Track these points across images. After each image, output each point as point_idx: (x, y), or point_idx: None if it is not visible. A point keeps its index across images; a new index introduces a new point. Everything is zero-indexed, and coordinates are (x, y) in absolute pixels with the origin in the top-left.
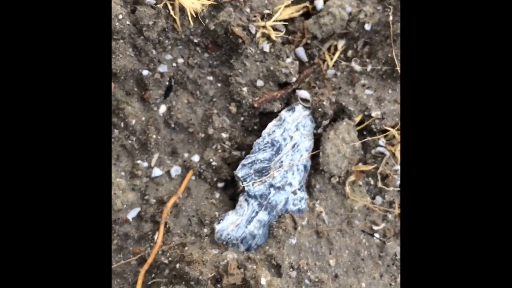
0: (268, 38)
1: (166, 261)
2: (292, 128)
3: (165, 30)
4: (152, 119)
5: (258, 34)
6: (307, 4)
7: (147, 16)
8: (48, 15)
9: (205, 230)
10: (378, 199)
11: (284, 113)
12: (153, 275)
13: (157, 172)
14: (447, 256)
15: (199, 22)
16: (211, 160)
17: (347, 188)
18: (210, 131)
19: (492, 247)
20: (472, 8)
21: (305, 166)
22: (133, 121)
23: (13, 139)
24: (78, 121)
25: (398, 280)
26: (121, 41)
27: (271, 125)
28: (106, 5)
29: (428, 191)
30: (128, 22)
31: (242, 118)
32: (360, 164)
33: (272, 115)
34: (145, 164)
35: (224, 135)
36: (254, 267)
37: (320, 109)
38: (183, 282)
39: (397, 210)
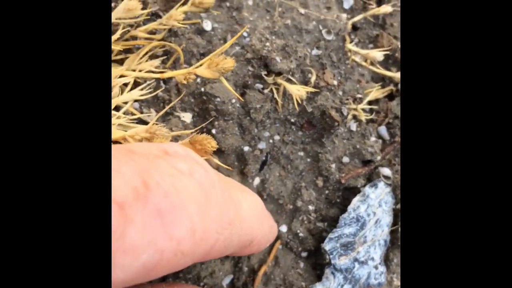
0: (355, 117)
1: None
2: (376, 204)
3: (268, 112)
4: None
5: (349, 116)
6: (391, 87)
7: (255, 100)
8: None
9: None
10: None
11: (367, 189)
12: None
13: None
14: (449, 267)
15: (298, 104)
16: (298, 231)
17: None
18: (299, 203)
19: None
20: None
21: (385, 241)
22: None
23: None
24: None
25: None
26: (231, 121)
27: (355, 201)
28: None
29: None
30: (238, 105)
31: (327, 192)
32: None
33: (355, 190)
34: None
35: (310, 207)
36: None
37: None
38: None
39: None
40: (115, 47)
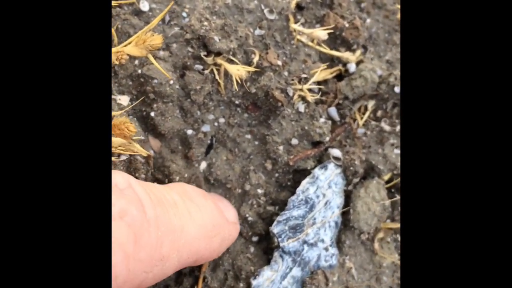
0: (303, 99)
1: None
2: (325, 186)
3: (210, 93)
4: (194, 176)
5: (295, 97)
6: (340, 67)
7: (195, 81)
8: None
9: (241, 285)
10: None
11: (317, 171)
12: None
13: None
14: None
15: (241, 85)
16: (247, 215)
17: (376, 245)
18: (247, 187)
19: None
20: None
21: (336, 223)
22: (177, 178)
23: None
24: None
25: None
26: (170, 104)
27: (304, 183)
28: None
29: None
30: (177, 87)
31: (276, 175)
32: (388, 221)
33: (305, 172)
34: None
35: (259, 191)
36: None
37: (351, 168)
38: None
39: None
40: None
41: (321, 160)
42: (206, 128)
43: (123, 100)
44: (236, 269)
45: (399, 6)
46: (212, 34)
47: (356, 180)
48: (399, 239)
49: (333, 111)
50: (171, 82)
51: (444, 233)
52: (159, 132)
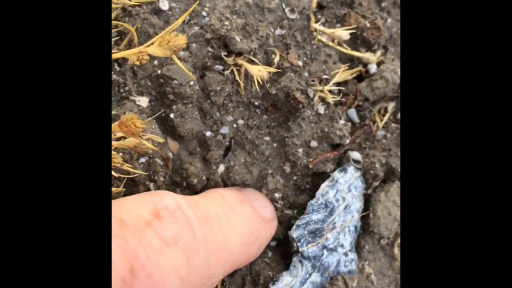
0: (323, 100)
1: None
2: (345, 190)
3: (229, 94)
4: (212, 179)
5: (316, 98)
6: (360, 67)
7: (216, 82)
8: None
9: None
10: None
11: (336, 174)
12: None
13: None
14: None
15: (261, 86)
16: None
17: (396, 250)
18: (265, 191)
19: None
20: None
21: (355, 227)
22: (195, 181)
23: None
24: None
25: None
26: (190, 105)
27: (324, 186)
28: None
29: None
30: (197, 87)
31: (295, 177)
32: None
33: (324, 175)
34: None
35: (277, 195)
36: None
37: (371, 171)
38: None
39: None
40: None
41: (340, 162)
42: (225, 130)
43: (143, 101)
44: (254, 274)
45: None
46: (233, 34)
47: (376, 183)
48: None
49: (352, 112)
50: (191, 83)
51: (444, 237)
52: (178, 134)
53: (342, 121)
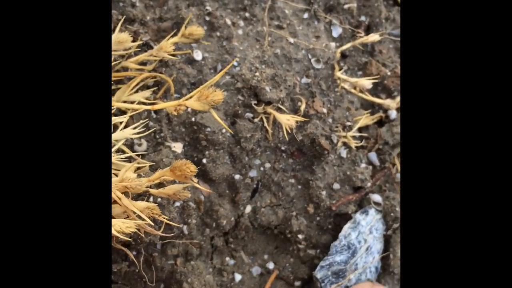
0: (345, 144)
1: None
2: (366, 231)
3: (258, 140)
4: (240, 221)
5: (339, 144)
6: (381, 113)
7: (246, 130)
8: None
9: None
10: None
11: (358, 216)
12: None
13: (241, 270)
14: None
15: (288, 132)
16: (290, 259)
17: None
18: (289, 235)
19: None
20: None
21: (376, 268)
22: (224, 222)
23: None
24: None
25: None
26: (221, 151)
27: (346, 228)
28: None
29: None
30: (228, 134)
31: (318, 218)
32: None
33: (346, 216)
34: (232, 261)
35: (300, 236)
36: None
37: (391, 213)
38: None
39: None
40: None
41: (361, 204)
42: (253, 173)
43: (177, 147)
44: None
45: None
46: (264, 85)
47: (396, 225)
48: None
49: (373, 156)
50: (223, 130)
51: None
52: (209, 178)
53: (363, 165)
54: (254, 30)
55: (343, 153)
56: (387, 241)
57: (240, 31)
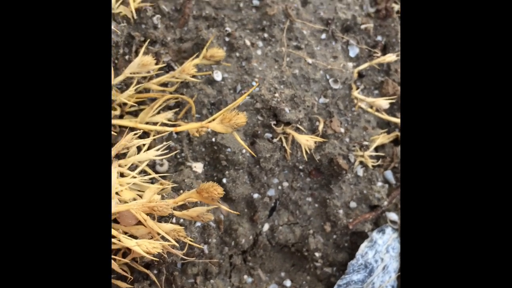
0: (361, 162)
1: None
2: (383, 250)
3: (277, 160)
4: (258, 239)
5: (356, 163)
6: (397, 132)
7: (265, 150)
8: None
9: None
10: None
11: (375, 235)
12: None
13: None
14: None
15: (306, 153)
16: (307, 277)
17: None
18: (305, 251)
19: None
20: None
21: (392, 287)
22: (243, 241)
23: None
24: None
25: None
26: (241, 170)
27: (363, 247)
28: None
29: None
30: (248, 154)
31: (334, 236)
32: None
33: (362, 234)
34: (250, 279)
35: (317, 254)
36: None
37: None
38: None
39: None
40: (129, 100)
41: (377, 222)
42: (271, 192)
43: (198, 167)
44: None
45: None
46: (283, 105)
47: None
48: None
49: (389, 174)
50: (244, 150)
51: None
52: (229, 197)
53: (379, 183)
54: (272, 51)
55: (360, 171)
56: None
57: (259, 52)
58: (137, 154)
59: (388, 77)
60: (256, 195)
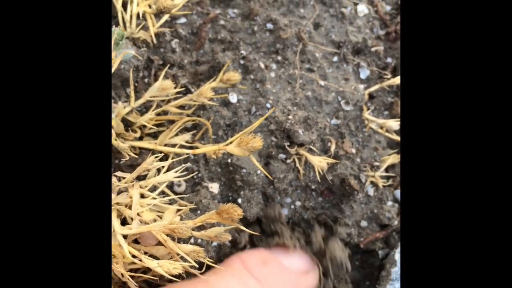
0: (372, 182)
1: None
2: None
3: (290, 180)
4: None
5: (367, 183)
6: None
7: (279, 171)
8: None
9: None
10: None
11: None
12: None
13: None
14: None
15: (319, 173)
16: None
17: None
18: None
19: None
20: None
21: None
22: None
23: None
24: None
25: None
26: (255, 191)
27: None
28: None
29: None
30: (263, 175)
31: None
32: None
33: (373, 252)
34: None
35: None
36: None
37: None
38: None
39: None
40: (149, 123)
41: (387, 241)
42: (284, 211)
43: (214, 187)
44: None
45: None
46: (296, 127)
47: None
48: None
49: (399, 193)
50: (258, 171)
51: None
52: (244, 217)
53: (390, 202)
54: (286, 73)
55: (370, 191)
56: None
57: (272, 74)
58: (157, 175)
59: (398, 98)
60: None
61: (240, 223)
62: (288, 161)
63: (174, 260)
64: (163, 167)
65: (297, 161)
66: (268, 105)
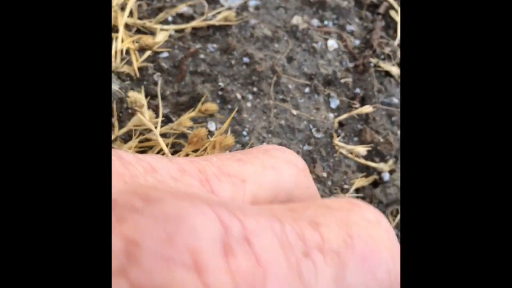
0: None
1: None
2: None
3: None
4: None
5: None
6: (375, 176)
7: None
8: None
9: None
10: None
11: None
12: None
13: None
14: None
15: None
16: None
17: None
18: None
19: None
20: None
21: None
22: None
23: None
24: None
25: None
26: None
27: None
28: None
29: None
30: None
31: None
32: None
33: None
34: None
35: None
36: None
37: None
38: None
39: None
40: (131, 150)
41: None
42: None
43: None
44: None
45: None
46: None
47: None
48: None
49: None
50: None
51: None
52: None
53: None
54: (261, 103)
55: None
56: None
57: (249, 104)
58: None
59: (366, 126)
60: None
61: None
62: None
63: None
64: None
65: None
66: (245, 133)
